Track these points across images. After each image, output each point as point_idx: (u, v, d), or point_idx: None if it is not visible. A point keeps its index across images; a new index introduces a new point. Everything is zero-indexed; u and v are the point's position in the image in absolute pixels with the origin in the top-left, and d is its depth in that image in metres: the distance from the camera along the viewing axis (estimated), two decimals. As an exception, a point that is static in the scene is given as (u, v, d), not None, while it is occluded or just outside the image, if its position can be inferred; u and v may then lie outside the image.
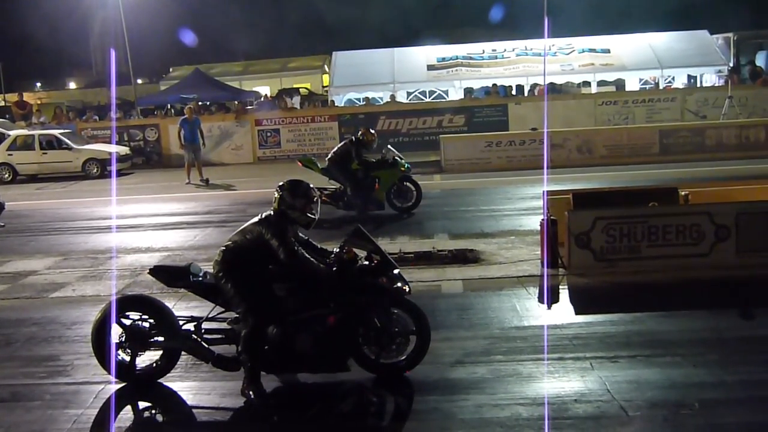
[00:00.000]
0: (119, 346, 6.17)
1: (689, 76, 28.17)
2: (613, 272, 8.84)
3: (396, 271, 6.16)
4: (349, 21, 44.27)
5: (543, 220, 9.14)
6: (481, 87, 27.63)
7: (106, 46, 44.21)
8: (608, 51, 27.70)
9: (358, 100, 28.28)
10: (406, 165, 13.66)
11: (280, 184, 6.03)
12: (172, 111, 28.66)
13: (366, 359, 6.14)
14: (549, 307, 7.98)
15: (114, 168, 21.83)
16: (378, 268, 6.10)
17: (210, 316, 6.29)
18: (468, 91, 27.37)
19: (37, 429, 5.66)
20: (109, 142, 24.41)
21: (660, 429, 5.20)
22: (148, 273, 6.41)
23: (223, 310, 6.22)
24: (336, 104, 26.95)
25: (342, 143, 14.04)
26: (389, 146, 14.46)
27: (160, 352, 6.23)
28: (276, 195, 5.97)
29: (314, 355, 5.96)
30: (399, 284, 6.07)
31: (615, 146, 19.53)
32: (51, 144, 22.88)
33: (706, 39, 28.09)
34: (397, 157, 13.66)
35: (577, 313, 7.79)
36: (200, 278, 6.26)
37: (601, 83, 27.67)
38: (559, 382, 5.97)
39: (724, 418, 5.30)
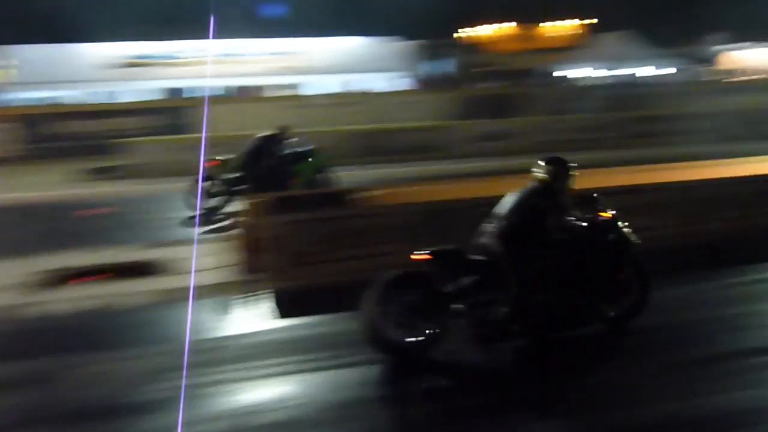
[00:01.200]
0: (392, 322, 6.21)
1: (369, 82, 29.68)
2: (306, 275, 8.83)
3: (623, 225, 6.79)
4: (21, 13, 40.29)
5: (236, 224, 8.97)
6: (163, 88, 26.93)
7: None
8: (291, 54, 28.38)
9: (41, 99, 26.16)
10: (323, 155, 13.76)
11: (546, 159, 6.67)
12: None
13: (599, 313, 6.78)
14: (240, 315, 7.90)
15: None
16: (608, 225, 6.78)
17: (473, 290, 6.47)
18: (150, 91, 26.52)
19: None
20: None
21: (354, 427, 5.38)
22: (428, 258, 6.33)
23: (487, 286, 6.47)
24: (17, 104, 24.67)
25: (255, 139, 13.53)
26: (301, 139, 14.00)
27: (430, 328, 6.29)
28: (546, 169, 6.60)
29: (571, 314, 6.61)
30: (630, 239, 6.74)
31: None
32: None
33: (387, 46, 29.99)
34: (311, 148, 13.70)
35: (275, 317, 7.78)
36: (472, 258, 6.48)
37: (282, 86, 27.95)
38: (255, 391, 5.93)
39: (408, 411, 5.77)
